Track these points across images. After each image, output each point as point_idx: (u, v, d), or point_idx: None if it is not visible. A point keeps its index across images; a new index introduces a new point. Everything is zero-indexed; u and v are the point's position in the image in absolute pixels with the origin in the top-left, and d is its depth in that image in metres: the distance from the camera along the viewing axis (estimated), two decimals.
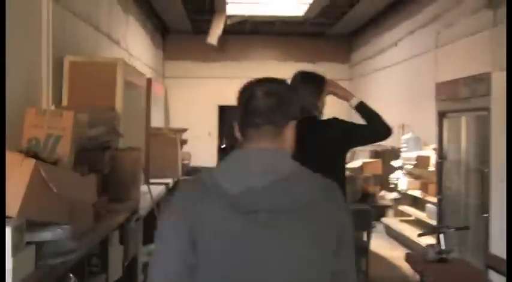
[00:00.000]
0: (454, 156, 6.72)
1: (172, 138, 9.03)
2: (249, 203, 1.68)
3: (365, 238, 6.60)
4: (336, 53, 15.76)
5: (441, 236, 5.20)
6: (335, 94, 3.83)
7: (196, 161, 13.29)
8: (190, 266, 1.70)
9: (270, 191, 1.68)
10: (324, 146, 3.51)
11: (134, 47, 10.48)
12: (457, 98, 6.32)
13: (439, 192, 6.97)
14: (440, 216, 6.97)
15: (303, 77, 3.77)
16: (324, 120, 3.76)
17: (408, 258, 5.49)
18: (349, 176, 6.90)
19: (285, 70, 13.41)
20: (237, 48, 15.78)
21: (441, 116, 6.88)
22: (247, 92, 1.92)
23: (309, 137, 3.19)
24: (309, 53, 15.33)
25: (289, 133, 1.86)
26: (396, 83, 11.54)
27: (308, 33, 15.24)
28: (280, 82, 1.96)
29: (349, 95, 3.81)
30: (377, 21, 13.13)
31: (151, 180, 7.22)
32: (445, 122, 6.88)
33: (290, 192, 1.71)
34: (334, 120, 3.69)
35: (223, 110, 16.22)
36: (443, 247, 5.06)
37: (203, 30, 12.99)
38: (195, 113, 15.27)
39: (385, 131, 3.65)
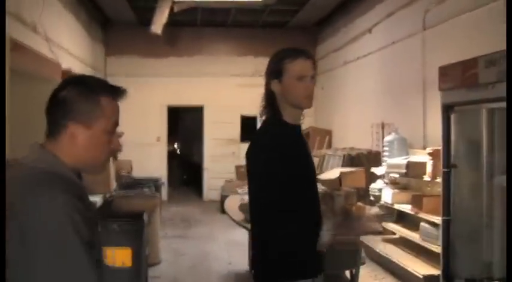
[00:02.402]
0: (467, 164, 5.02)
1: None
2: None
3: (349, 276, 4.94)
4: (299, 45, 13.96)
5: None
6: None
7: (141, 171, 11.60)
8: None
9: None
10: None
11: (57, 34, 8.64)
12: (473, 85, 4.62)
13: (446, 211, 5.26)
14: (447, 243, 5.26)
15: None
16: None
17: None
18: (323, 193, 5.24)
19: (243, 66, 12.07)
20: (188, 42, 14.27)
21: (447, 109, 5.16)
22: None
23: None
24: (269, 46, 13.61)
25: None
26: (372, 75, 9.98)
27: (268, 23, 13.84)
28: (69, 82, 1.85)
29: None
30: (346, 7, 11.67)
31: None
32: (453, 118, 5.16)
33: None
34: None
35: (173, 112, 14.47)
36: None
37: (149, 20, 11.20)
38: (141, 115, 13.58)
39: None
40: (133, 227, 5.55)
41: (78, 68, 9.72)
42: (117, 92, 1.88)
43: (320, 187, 4.52)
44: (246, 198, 5.85)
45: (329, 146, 12.12)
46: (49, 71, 5.04)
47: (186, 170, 17.54)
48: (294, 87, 2.66)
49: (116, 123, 1.86)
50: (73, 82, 1.84)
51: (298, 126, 2.80)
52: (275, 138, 2.65)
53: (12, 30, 6.06)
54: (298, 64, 2.67)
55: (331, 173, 7.74)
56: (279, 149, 2.58)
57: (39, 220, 1.59)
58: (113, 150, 1.89)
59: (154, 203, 7.57)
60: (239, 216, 5.51)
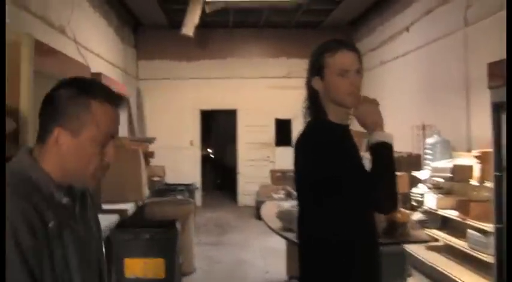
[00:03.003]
0: None
1: (132, 151, 7.15)
2: None
3: None
4: None
5: None
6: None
7: (174, 177, 11.39)
8: None
9: None
10: None
11: (89, 39, 8.48)
12: None
13: (498, 218, 4.91)
14: (500, 252, 4.91)
15: None
16: None
17: None
18: None
19: (276, 67, 11.81)
20: (220, 44, 13.98)
21: (498, 108, 4.82)
22: None
23: None
24: (303, 47, 13.40)
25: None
26: (410, 75, 9.61)
27: (301, 23, 13.49)
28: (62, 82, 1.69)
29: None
30: (382, 5, 11.31)
31: (104, 207, 5.54)
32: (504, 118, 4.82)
33: None
34: None
35: (206, 115, 14.24)
36: None
37: (180, 23, 11.00)
38: (174, 119, 13.43)
39: (384, 204, 2.32)
40: (166, 236, 5.33)
41: (110, 72, 9.55)
42: (111, 97, 1.68)
43: None
44: (284, 205, 5.62)
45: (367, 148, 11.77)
46: (77, 73, 4.81)
47: (219, 174, 17.32)
48: (336, 84, 2.37)
49: (110, 133, 1.66)
50: (65, 83, 1.68)
51: (346, 126, 2.50)
52: (321, 141, 2.35)
53: (39, 32, 5.90)
54: (339, 57, 2.37)
55: None
56: (328, 153, 2.29)
57: None
58: (106, 164, 1.68)
59: (189, 209, 7.33)
60: (276, 224, 5.24)
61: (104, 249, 1.90)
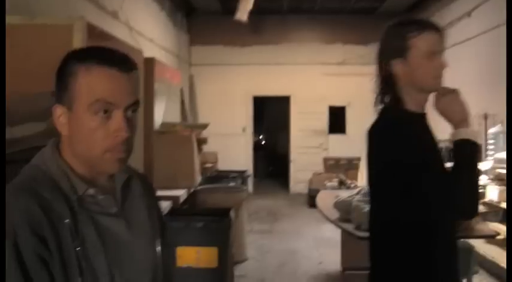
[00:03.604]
0: None
1: (185, 137, 7.06)
2: None
3: None
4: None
5: None
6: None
7: (226, 164, 11.31)
8: None
9: None
10: None
11: (141, 24, 8.41)
12: None
13: None
14: None
15: None
16: None
17: None
18: None
19: (331, 54, 11.56)
20: (274, 30, 13.73)
21: None
22: None
23: None
24: (359, 33, 13.19)
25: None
26: (472, 62, 9.26)
27: (357, 9, 13.14)
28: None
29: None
30: None
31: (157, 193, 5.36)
32: None
33: None
34: None
35: (257, 101, 14.10)
36: None
37: (233, 9, 10.85)
38: (226, 105, 13.33)
39: (463, 210, 2.14)
40: (220, 225, 5.19)
41: (162, 57, 9.48)
42: (106, 59, 1.41)
43: None
44: (342, 194, 5.43)
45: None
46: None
47: (271, 161, 17.17)
48: (423, 67, 2.16)
49: (108, 100, 1.39)
50: (67, 54, 1.45)
51: (424, 115, 2.30)
52: (400, 132, 2.13)
53: (92, 17, 5.84)
54: (426, 38, 2.17)
55: None
56: (407, 146, 2.08)
57: None
58: (119, 141, 1.41)
59: (241, 197, 7.22)
60: (334, 214, 5.05)
61: (158, 251, 1.65)
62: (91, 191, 1.44)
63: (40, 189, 1.36)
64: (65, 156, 1.46)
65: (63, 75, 1.42)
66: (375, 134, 2.24)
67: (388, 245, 2.24)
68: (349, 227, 4.58)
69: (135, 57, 4.49)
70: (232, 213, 5.48)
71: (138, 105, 1.47)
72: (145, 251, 1.58)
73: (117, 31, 6.76)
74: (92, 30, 4.18)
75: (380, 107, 2.30)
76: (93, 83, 1.38)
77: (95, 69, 1.38)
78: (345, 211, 4.83)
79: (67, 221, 1.35)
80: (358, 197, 4.79)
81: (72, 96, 1.40)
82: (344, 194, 5.38)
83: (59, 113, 1.43)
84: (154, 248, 1.62)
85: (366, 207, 4.15)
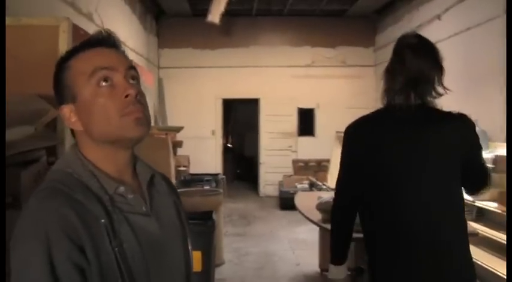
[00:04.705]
0: None
1: (161, 140, 7.03)
2: None
3: None
4: (358, 35, 13.61)
5: None
6: None
7: (196, 167, 11.25)
8: None
9: None
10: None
11: (115, 26, 8.34)
12: None
13: None
14: None
15: None
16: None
17: None
18: None
19: (300, 56, 11.57)
20: (244, 33, 13.73)
21: None
22: None
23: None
24: (327, 36, 13.30)
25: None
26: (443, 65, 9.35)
27: (326, 12, 13.18)
28: None
29: None
30: None
31: None
32: None
33: None
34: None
35: (228, 105, 14.04)
36: None
37: (203, 11, 10.82)
38: (196, 108, 13.28)
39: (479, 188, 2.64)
40: (203, 228, 5.17)
41: (134, 59, 9.36)
42: (90, 41, 1.44)
43: None
44: (324, 196, 5.45)
45: None
46: None
47: (238, 164, 17.14)
48: None
49: (103, 66, 1.39)
50: (57, 62, 1.47)
51: None
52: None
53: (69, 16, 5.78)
54: None
55: None
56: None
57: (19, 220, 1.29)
58: (129, 100, 1.39)
59: (218, 200, 7.18)
60: (316, 216, 5.07)
61: (190, 250, 1.62)
62: (121, 189, 1.41)
63: (71, 192, 1.33)
64: (88, 156, 1.43)
65: (59, 78, 1.43)
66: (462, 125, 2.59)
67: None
68: None
69: None
70: (215, 216, 5.46)
71: (138, 75, 1.48)
72: (178, 250, 1.55)
73: (90, 31, 6.70)
74: (77, 31, 4.14)
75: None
76: (86, 60, 1.40)
77: (85, 53, 1.41)
78: (328, 212, 4.84)
79: (103, 220, 1.32)
80: None
81: (72, 86, 1.40)
82: (326, 195, 5.40)
83: (68, 113, 1.43)
84: (187, 247, 1.59)
85: None
